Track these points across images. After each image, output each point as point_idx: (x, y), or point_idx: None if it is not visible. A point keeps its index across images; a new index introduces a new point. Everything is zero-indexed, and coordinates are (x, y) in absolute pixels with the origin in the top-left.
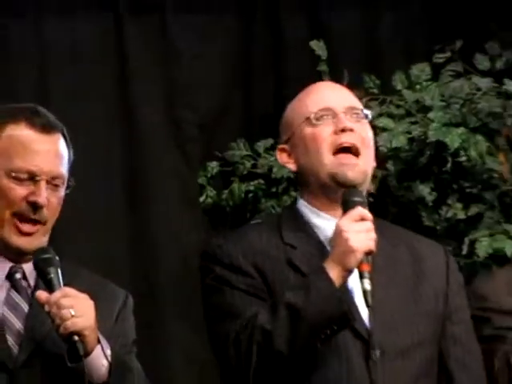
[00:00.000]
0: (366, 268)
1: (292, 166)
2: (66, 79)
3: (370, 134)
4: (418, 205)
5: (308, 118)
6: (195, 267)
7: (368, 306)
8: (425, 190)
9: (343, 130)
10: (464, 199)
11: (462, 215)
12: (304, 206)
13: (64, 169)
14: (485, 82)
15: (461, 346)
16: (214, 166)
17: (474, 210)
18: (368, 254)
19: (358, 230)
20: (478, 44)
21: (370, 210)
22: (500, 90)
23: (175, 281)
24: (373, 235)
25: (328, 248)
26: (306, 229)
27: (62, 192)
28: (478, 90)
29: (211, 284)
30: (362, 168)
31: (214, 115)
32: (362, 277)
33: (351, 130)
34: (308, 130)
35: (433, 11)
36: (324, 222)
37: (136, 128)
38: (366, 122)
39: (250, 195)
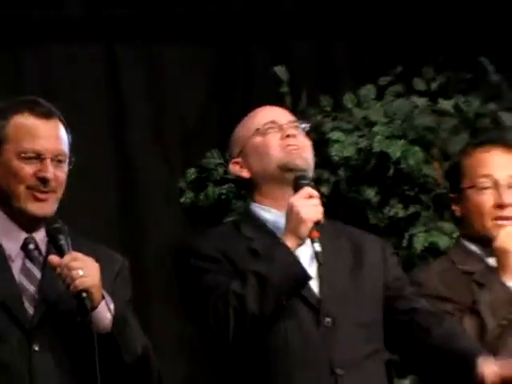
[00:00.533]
0: (316, 235)
1: (245, 174)
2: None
3: (307, 141)
4: (365, 206)
5: (258, 129)
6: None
7: (320, 263)
8: (371, 193)
9: (288, 136)
10: (404, 200)
11: (402, 214)
12: (256, 207)
13: (65, 147)
14: (421, 101)
15: (415, 301)
16: (192, 173)
17: (412, 209)
18: (317, 223)
19: (307, 204)
20: (416, 69)
21: (324, 210)
22: (434, 108)
23: (160, 262)
24: (320, 208)
25: (279, 236)
26: (259, 224)
27: (65, 167)
28: (416, 107)
29: (187, 272)
30: (306, 156)
31: (193, 130)
32: (313, 241)
33: (294, 136)
34: (258, 139)
35: (377, 41)
36: (274, 217)
37: (128, 143)
38: (303, 133)
39: (223, 197)
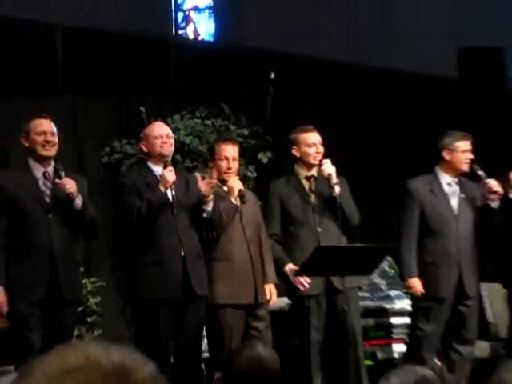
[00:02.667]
0: (173, 185)
1: (145, 150)
2: None
3: (170, 141)
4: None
5: (156, 136)
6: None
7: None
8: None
9: (163, 137)
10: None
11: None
12: (149, 163)
13: (55, 130)
14: (199, 121)
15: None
16: (108, 150)
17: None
18: (174, 182)
19: (169, 173)
20: (215, 105)
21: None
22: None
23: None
24: (172, 175)
25: (159, 179)
26: (151, 172)
27: (56, 138)
28: (197, 124)
29: (116, 190)
30: (169, 150)
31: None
32: (171, 189)
33: (168, 137)
34: (155, 139)
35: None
36: (155, 168)
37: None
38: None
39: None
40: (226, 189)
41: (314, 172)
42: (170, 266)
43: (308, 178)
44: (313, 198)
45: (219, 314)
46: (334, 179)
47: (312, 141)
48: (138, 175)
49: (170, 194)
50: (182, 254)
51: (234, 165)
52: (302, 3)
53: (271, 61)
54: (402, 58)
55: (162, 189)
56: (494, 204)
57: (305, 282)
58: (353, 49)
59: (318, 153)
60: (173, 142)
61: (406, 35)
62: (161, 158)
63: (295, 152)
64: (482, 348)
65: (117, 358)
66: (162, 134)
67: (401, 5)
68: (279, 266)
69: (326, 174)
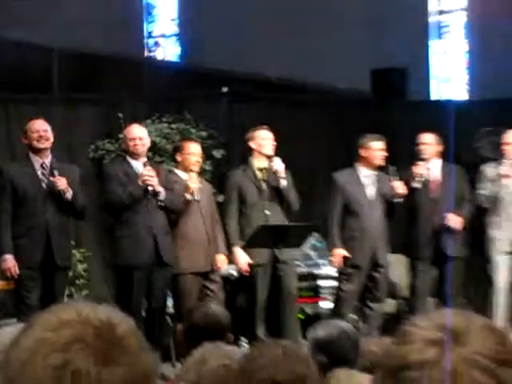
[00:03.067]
0: (152, 183)
1: (124, 147)
2: None
3: (146, 141)
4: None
5: (129, 138)
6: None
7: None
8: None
9: (140, 139)
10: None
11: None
12: (127, 157)
13: (47, 127)
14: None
15: None
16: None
17: None
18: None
19: (147, 172)
20: (179, 112)
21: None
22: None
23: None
24: (153, 173)
25: (137, 172)
26: (130, 165)
27: (49, 133)
28: (172, 130)
29: (103, 179)
30: (143, 150)
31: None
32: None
33: (140, 139)
34: (129, 141)
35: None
36: (136, 164)
37: None
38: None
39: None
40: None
41: (266, 164)
42: (143, 240)
43: (260, 170)
44: (264, 185)
45: (181, 280)
46: (282, 174)
47: (266, 136)
48: (119, 166)
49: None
50: (154, 231)
51: (199, 159)
52: (249, 32)
53: (224, 78)
54: (329, 74)
55: (141, 184)
56: (396, 200)
57: (245, 265)
58: (290, 69)
59: (270, 145)
60: (146, 142)
61: (334, 58)
62: (134, 155)
63: (252, 144)
64: (389, 305)
65: (103, 314)
66: (134, 136)
67: (326, 36)
68: (230, 242)
69: (273, 169)
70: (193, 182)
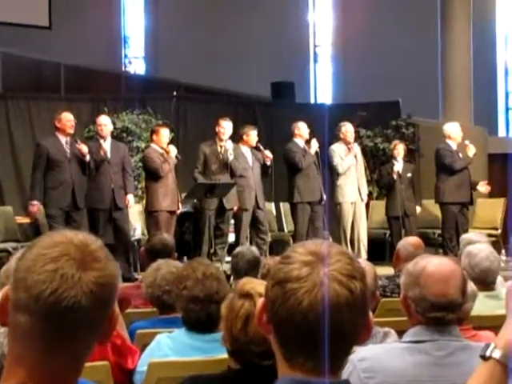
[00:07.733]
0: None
1: (96, 131)
2: None
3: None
4: None
5: (98, 124)
6: None
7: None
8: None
9: (104, 126)
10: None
11: None
12: (97, 137)
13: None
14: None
15: None
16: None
17: None
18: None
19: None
20: (144, 108)
21: None
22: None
23: None
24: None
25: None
26: (97, 142)
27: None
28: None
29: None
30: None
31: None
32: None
33: (105, 125)
34: (99, 126)
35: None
36: (100, 141)
37: None
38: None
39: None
40: (166, 151)
41: (225, 144)
42: (105, 191)
43: (221, 146)
44: (221, 156)
45: (154, 215)
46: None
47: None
48: (93, 143)
49: (108, 154)
50: (112, 186)
51: (167, 139)
52: (197, 54)
53: (176, 85)
54: (242, 84)
55: (102, 154)
56: (268, 163)
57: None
58: (218, 78)
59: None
60: (109, 127)
61: (247, 73)
62: (101, 137)
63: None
64: (273, 235)
65: (81, 237)
66: (100, 123)
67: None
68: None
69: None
70: (172, 150)
